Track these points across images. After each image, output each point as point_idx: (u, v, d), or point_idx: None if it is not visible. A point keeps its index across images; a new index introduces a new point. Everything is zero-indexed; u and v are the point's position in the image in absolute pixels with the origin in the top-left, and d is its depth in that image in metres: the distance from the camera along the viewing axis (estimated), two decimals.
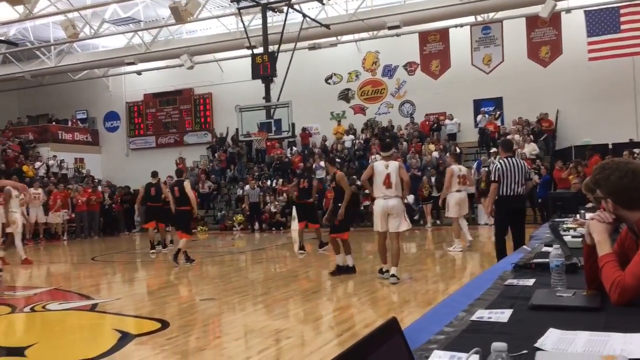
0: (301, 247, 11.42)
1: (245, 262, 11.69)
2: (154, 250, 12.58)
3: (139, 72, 24.89)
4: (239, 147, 23.35)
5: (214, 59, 23.82)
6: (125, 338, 5.27)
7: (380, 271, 7.76)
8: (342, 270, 8.25)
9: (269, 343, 4.90)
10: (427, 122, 21.59)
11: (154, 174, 13.34)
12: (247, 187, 20.02)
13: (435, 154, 19.50)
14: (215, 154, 23.81)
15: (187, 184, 10.68)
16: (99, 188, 21.47)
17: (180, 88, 25.76)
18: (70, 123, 26.84)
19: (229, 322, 5.96)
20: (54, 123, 26.31)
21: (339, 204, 8.20)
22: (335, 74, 23.31)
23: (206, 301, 7.04)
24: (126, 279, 10.01)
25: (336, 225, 8.22)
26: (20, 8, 16.62)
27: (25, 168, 21.40)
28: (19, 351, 4.86)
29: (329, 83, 23.34)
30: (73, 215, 19.58)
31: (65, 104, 26.80)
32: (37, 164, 22.46)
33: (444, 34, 19.59)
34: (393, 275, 7.33)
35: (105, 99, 27.13)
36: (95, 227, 19.86)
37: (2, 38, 18.71)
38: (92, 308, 6.85)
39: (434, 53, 19.83)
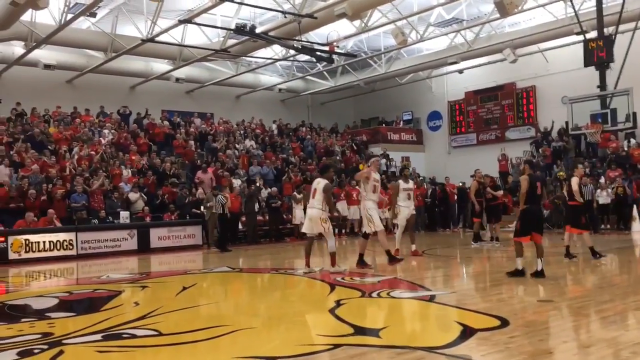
0: None
1: (581, 265, 10.83)
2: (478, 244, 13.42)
3: (460, 71, 25.35)
4: (564, 141, 21.83)
5: (537, 50, 22.79)
6: (466, 332, 5.39)
7: None
8: None
9: (625, 356, 4.45)
10: None
11: None
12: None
13: None
14: (540, 150, 22.71)
15: (574, 180, 10.47)
16: (424, 185, 22.48)
17: (501, 83, 25.34)
18: (394, 124, 28.86)
19: (573, 328, 5.61)
20: (383, 125, 28.60)
21: None
22: None
23: (545, 302, 6.75)
24: (457, 273, 10.26)
25: None
26: (357, 22, 18.48)
27: (361, 167, 23.72)
28: (374, 332, 5.38)
29: None
30: None
31: (393, 107, 28.90)
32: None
33: None
34: None
35: (429, 99, 28.32)
36: (421, 222, 20.84)
37: (342, 51, 21.04)
38: (431, 299, 7.20)
39: None
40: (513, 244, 8.94)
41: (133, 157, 19.22)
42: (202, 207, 16.53)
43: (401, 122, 29.19)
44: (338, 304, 6.91)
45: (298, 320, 6.32)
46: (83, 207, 15.96)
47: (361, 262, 10.23)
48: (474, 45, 21.80)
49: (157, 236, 16.25)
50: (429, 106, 28.45)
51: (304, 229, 10.39)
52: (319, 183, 9.87)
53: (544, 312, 6.30)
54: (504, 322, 5.60)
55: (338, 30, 19.95)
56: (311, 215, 9.88)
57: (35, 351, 5.03)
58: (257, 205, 17.99)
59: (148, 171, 18.48)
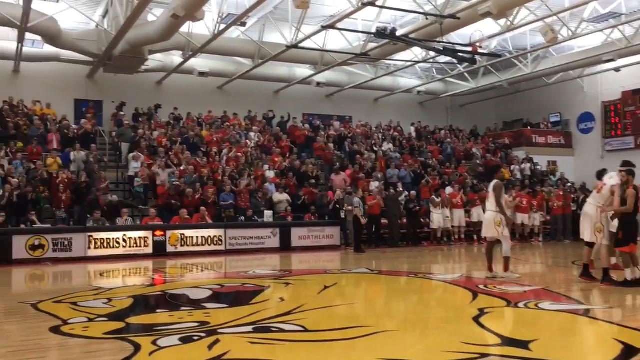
0: None
1: None
2: None
3: (617, 69, 23.46)
4: None
5: None
6: (629, 351, 4.98)
7: None
8: None
9: None
10: None
11: None
12: None
13: None
14: None
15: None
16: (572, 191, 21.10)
17: None
18: (540, 126, 27.33)
19: None
20: (528, 127, 27.22)
21: None
22: None
23: None
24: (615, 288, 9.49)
25: None
26: (502, 21, 17.77)
27: (503, 172, 22.80)
28: (523, 344, 5.14)
29: None
30: (548, 218, 19.84)
31: (538, 108, 27.41)
32: (513, 167, 23.62)
33: None
34: None
35: (579, 100, 26.49)
36: (569, 231, 19.57)
37: (485, 51, 20.36)
38: (585, 313, 6.74)
39: None
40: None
41: (276, 159, 20.08)
42: (342, 209, 16.86)
43: (548, 125, 27.60)
44: (482, 312, 6.70)
45: (441, 326, 6.22)
46: (231, 206, 16.98)
47: (585, 274, 9.07)
48: (634, 41, 20.01)
49: (298, 235, 16.84)
50: (580, 107, 26.59)
51: (482, 233, 10.06)
52: (490, 184, 9.79)
53: None
54: None
55: (481, 29, 19.33)
56: (486, 218, 9.76)
57: (195, 338, 5.44)
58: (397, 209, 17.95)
59: (289, 172, 19.20)
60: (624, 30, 20.02)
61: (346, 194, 16.89)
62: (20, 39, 18.33)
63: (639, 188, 8.51)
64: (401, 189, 19.08)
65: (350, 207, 16.28)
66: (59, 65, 20.89)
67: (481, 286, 8.76)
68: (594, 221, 8.70)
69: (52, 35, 17.87)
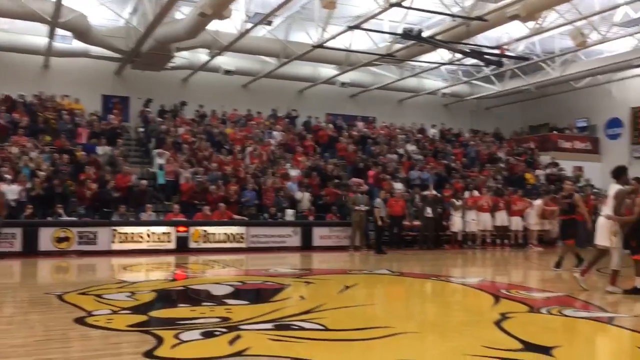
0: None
1: None
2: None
3: None
4: None
5: None
6: None
7: None
8: None
9: None
10: None
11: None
12: None
13: None
14: None
15: None
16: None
17: None
18: (566, 131, 26.96)
19: None
20: (554, 132, 26.88)
21: None
22: None
23: None
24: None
25: None
26: (530, 23, 17.58)
27: (527, 175, 22.57)
28: (546, 350, 5.08)
29: None
30: None
31: (565, 113, 27.04)
32: (538, 171, 23.34)
33: None
34: None
35: (607, 105, 26.04)
36: (591, 236, 19.22)
37: (512, 54, 20.16)
38: (609, 321, 6.65)
39: None
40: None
41: (299, 158, 20.13)
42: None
43: (575, 129, 27.21)
44: (504, 316, 6.64)
45: (462, 330, 6.18)
46: (253, 204, 17.07)
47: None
48: None
49: (319, 235, 16.85)
50: (608, 112, 26.16)
51: (596, 240, 9.01)
52: (611, 189, 8.94)
53: None
54: None
55: (509, 32, 19.15)
56: (601, 224, 8.87)
57: (216, 333, 5.49)
58: (429, 211, 17.73)
59: (312, 172, 19.23)
60: None
61: (356, 193, 16.81)
62: (51, 35, 18.66)
63: None
64: (434, 192, 18.62)
65: (357, 207, 16.21)
66: (88, 61, 21.21)
67: (504, 291, 8.68)
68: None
69: (82, 31, 18.16)
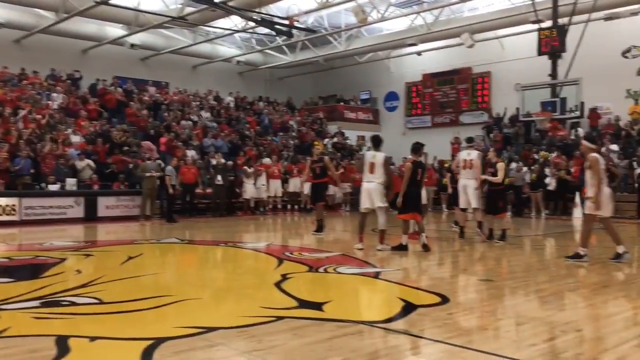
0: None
1: (524, 247, 11.19)
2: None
3: (419, 53, 25.52)
4: (516, 127, 22.38)
5: (494, 37, 23.15)
6: (408, 307, 5.51)
7: None
8: None
9: (556, 333, 4.64)
10: None
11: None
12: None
13: None
14: (491, 135, 23.21)
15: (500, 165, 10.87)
16: None
17: (458, 67, 25.67)
18: (352, 102, 28.94)
19: (511, 306, 5.80)
20: (341, 103, 28.62)
21: None
22: (635, 47, 20.61)
23: (485, 282, 6.96)
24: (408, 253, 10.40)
25: None
26: None
27: (316, 143, 23.70)
28: (317, 306, 5.43)
29: (626, 57, 20.73)
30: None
31: (350, 85, 28.92)
32: (326, 140, 24.70)
33: None
34: None
35: (386, 79, 28.45)
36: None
37: (302, 26, 20.85)
38: (376, 275, 7.32)
39: None
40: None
41: (82, 123, 18.68)
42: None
43: (359, 101, 29.28)
44: (284, 277, 6.94)
45: (244, 293, 6.32)
46: (27, 172, 15.46)
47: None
48: (433, 27, 21.96)
49: (105, 205, 15.96)
50: (387, 86, 28.60)
51: (363, 205, 9.38)
52: (376, 157, 9.27)
53: (484, 291, 6.50)
54: (444, 299, 5.74)
55: (298, 4, 19.74)
56: (371, 189, 9.22)
57: None
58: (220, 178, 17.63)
59: (98, 138, 17.99)
60: (425, 17, 21.81)
61: (146, 160, 16.25)
62: None
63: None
64: (225, 161, 18.59)
65: (149, 174, 15.73)
66: None
67: (287, 253, 9.07)
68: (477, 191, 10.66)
69: None
